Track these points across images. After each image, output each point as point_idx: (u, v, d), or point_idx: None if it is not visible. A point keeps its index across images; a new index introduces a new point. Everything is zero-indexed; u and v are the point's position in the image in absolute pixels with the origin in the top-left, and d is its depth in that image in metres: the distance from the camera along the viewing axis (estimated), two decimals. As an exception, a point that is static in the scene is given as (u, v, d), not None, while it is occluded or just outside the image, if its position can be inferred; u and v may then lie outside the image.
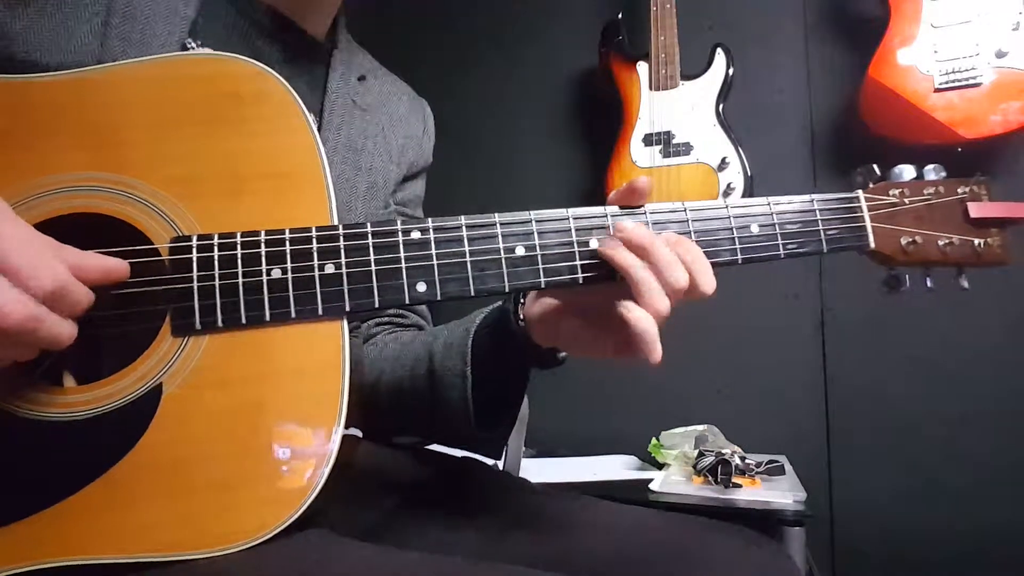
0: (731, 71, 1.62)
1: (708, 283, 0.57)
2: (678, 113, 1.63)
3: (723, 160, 1.58)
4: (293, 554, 0.49)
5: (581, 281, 0.58)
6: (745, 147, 1.58)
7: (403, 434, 0.82)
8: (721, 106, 1.61)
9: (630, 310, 0.55)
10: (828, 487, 1.59)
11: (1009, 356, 1.48)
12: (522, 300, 0.67)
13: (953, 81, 1.38)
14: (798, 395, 1.63)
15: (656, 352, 0.55)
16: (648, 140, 1.64)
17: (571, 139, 1.90)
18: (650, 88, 1.65)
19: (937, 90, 1.39)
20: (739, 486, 1.21)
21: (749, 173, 1.56)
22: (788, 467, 1.32)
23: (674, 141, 1.62)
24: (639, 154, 1.65)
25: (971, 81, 1.37)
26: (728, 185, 1.57)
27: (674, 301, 0.56)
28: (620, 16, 1.73)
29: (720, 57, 1.63)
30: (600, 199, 0.61)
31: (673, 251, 0.56)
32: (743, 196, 1.55)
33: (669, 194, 1.60)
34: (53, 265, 0.46)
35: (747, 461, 1.27)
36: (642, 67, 1.67)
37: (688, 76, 1.64)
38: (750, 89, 1.68)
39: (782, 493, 1.17)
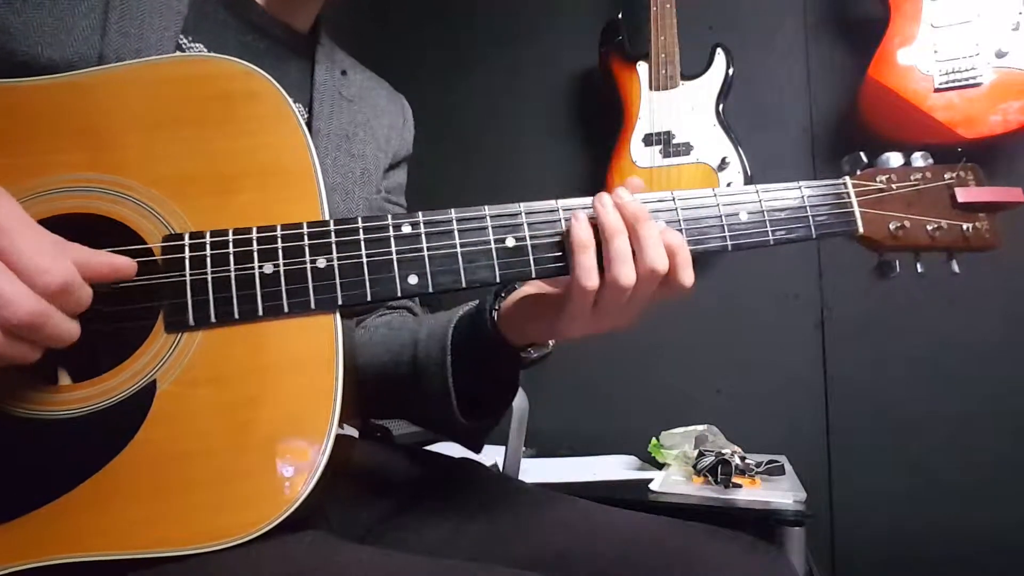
0: (731, 71, 1.62)
1: (687, 275, 0.58)
2: (678, 113, 1.63)
3: (723, 160, 1.58)
4: (289, 555, 0.49)
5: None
6: (745, 147, 1.58)
7: (385, 417, 0.83)
8: (721, 106, 1.61)
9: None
10: (828, 487, 1.58)
11: (1009, 356, 1.48)
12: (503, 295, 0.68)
13: (953, 81, 1.38)
14: (798, 395, 1.63)
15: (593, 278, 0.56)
16: (648, 140, 1.64)
17: (571, 139, 1.90)
18: (650, 88, 1.65)
19: (937, 90, 1.39)
20: (739, 486, 1.21)
21: (749, 173, 1.56)
22: (788, 467, 1.32)
23: (674, 141, 1.62)
24: (639, 154, 1.65)
25: (971, 81, 1.37)
26: (728, 185, 1.57)
27: (649, 286, 0.56)
28: (620, 16, 1.73)
29: (720, 57, 1.63)
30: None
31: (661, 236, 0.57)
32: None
33: (669, 194, 1.59)
34: (63, 262, 0.46)
35: (747, 461, 1.27)
36: (642, 67, 1.67)
37: (688, 76, 1.64)
38: (750, 89, 1.68)
39: (782, 493, 1.17)
